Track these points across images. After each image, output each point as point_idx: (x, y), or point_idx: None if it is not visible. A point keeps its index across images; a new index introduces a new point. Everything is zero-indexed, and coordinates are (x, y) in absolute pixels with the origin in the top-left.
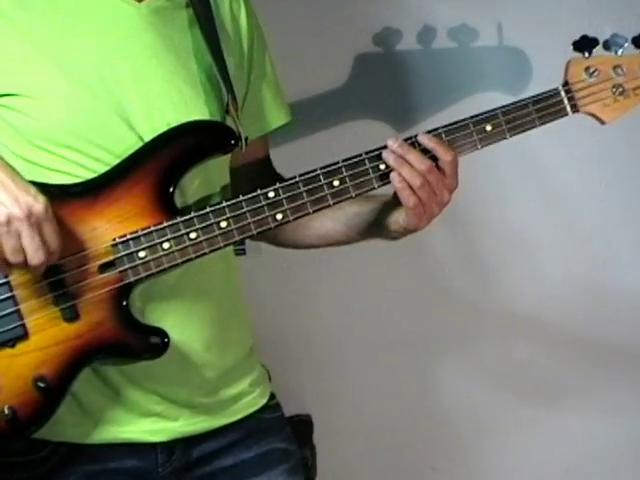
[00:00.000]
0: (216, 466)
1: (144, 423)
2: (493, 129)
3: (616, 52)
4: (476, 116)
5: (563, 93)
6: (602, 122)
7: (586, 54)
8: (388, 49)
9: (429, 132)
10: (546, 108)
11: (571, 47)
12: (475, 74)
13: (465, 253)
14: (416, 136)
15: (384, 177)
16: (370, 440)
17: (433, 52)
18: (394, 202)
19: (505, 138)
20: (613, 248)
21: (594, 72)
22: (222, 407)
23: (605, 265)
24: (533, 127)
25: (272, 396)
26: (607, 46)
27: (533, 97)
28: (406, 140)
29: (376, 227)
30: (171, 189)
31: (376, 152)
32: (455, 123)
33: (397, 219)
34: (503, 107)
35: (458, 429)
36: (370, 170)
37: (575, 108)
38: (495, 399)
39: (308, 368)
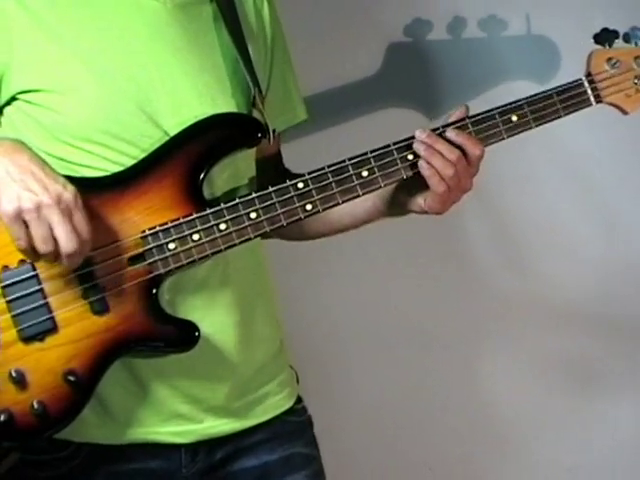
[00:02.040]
0: (239, 466)
1: (169, 425)
2: (519, 119)
3: (636, 44)
4: (502, 107)
5: (586, 84)
6: (625, 112)
7: (607, 46)
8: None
9: (456, 122)
10: (570, 99)
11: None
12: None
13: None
14: (444, 128)
15: (414, 167)
16: (370, 440)
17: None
18: (414, 185)
19: (531, 128)
20: None
21: (616, 63)
22: (249, 408)
23: None
24: (558, 117)
25: (299, 399)
26: (627, 39)
27: (557, 88)
28: (433, 131)
29: (390, 207)
30: (200, 181)
31: (404, 142)
32: (481, 114)
33: (419, 202)
34: (528, 98)
35: (456, 429)
36: (398, 160)
37: (598, 98)
38: (493, 401)
39: (308, 368)
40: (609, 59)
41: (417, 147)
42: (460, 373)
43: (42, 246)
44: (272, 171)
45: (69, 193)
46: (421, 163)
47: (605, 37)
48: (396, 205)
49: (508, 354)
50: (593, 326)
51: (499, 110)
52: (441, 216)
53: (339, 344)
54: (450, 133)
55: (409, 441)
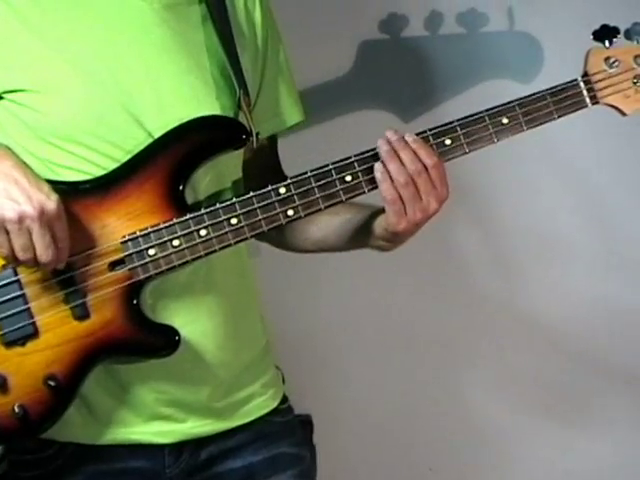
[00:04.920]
0: (224, 468)
1: (152, 425)
2: (510, 122)
3: (638, 42)
4: (492, 109)
5: (582, 84)
6: (623, 114)
7: (607, 44)
8: (394, 36)
9: (443, 125)
10: (564, 100)
11: (591, 37)
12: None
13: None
14: (430, 131)
15: None
16: (370, 440)
17: (441, 38)
18: (384, 208)
19: (522, 131)
20: None
21: (614, 62)
22: (232, 409)
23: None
24: (551, 119)
25: (284, 399)
26: (628, 35)
27: (551, 89)
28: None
29: (363, 233)
30: (181, 186)
31: None
32: (470, 116)
33: (380, 221)
34: (520, 99)
35: (457, 430)
36: None
37: (595, 99)
38: (493, 402)
39: (308, 368)
40: (607, 58)
41: (380, 145)
42: (459, 375)
43: (21, 254)
44: (268, 175)
45: (52, 203)
46: (376, 166)
47: (605, 34)
48: (367, 232)
49: (507, 356)
50: (591, 334)
51: (489, 112)
52: (435, 223)
53: (338, 346)
54: (408, 137)
55: (409, 441)
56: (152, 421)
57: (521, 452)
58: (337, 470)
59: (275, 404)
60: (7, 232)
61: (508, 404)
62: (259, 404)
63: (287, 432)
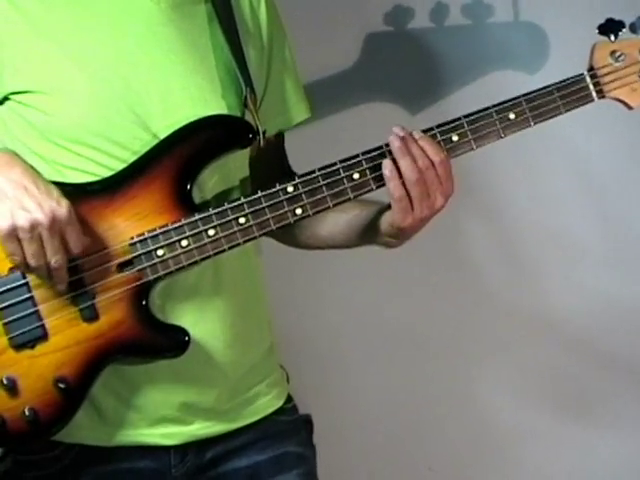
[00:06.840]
0: (229, 467)
1: (159, 427)
2: (517, 117)
3: None
4: (499, 104)
5: (588, 79)
6: (629, 107)
7: (612, 37)
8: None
9: (451, 122)
10: (571, 94)
11: (596, 31)
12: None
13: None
14: (438, 128)
15: None
16: (369, 440)
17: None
18: (389, 204)
19: (529, 126)
20: None
21: (620, 56)
22: (238, 409)
23: None
24: (558, 114)
25: (289, 399)
26: (633, 29)
27: (557, 83)
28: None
29: (370, 230)
30: (189, 185)
31: None
32: (477, 112)
33: (387, 218)
34: (526, 94)
35: (457, 430)
36: None
37: (601, 93)
38: (494, 401)
39: (308, 368)
40: (613, 52)
41: (392, 140)
42: (460, 375)
43: (33, 261)
44: (275, 171)
45: (63, 209)
46: (385, 162)
47: (610, 28)
48: (374, 229)
49: (508, 358)
50: (601, 330)
51: (496, 108)
52: (439, 221)
53: (339, 346)
54: (416, 134)
55: (409, 441)
56: (159, 423)
57: (522, 451)
58: (337, 470)
59: (280, 403)
60: (19, 240)
61: (511, 402)
62: (264, 403)
63: (292, 431)
